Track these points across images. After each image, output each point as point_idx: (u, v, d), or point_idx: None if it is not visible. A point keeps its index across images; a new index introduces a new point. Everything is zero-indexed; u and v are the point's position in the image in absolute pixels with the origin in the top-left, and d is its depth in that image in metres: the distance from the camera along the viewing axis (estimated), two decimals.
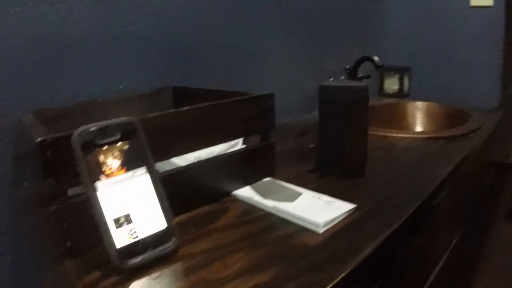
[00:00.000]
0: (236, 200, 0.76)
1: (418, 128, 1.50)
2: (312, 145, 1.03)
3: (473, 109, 1.41)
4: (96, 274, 0.53)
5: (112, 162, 0.55)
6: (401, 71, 1.76)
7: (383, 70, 1.80)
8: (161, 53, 1.02)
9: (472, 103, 1.54)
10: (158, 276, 0.52)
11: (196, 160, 0.74)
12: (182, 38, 1.06)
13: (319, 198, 0.72)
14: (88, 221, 0.54)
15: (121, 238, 0.53)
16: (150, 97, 0.98)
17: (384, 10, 1.85)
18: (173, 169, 0.69)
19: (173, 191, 0.64)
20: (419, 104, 1.52)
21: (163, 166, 0.76)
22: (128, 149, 0.57)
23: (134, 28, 0.96)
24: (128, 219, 0.54)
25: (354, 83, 0.81)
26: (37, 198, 0.78)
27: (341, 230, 0.63)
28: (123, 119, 0.56)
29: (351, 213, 0.68)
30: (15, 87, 0.78)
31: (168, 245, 0.56)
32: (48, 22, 0.81)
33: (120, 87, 0.94)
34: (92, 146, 0.54)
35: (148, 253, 0.54)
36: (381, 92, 1.83)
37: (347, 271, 0.52)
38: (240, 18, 1.21)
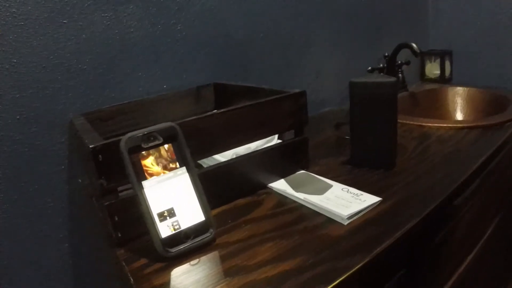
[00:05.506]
0: (271, 192, 0.81)
1: (458, 114, 1.49)
2: (347, 137, 1.07)
3: None
4: (143, 261, 0.61)
5: (156, 163, 0.62)
6: (442, 55, 1.74)
7: (424, 55, 1.78)
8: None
9: None
10: (197, 263, 0.60)
11: (234, 156, 0.81)
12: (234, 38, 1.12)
13: (348, 190, 0.77)
14: (136, 214, 0.61)
15: (164, 229, 0.61)
16: (192, 94, 1.05)
17: None
18: (213, 165, 0.76)
19: (214, 186, 0.72)
20: (460, 90, 1.51)
21: (206, 161, 0.84)
22: (171, 150, 0.64)
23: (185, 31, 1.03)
24: (171, 213, 0.62)
25: (382, 79, 0.84)
26: (90, 193, 0.87)
27: (366, 222, 0.67)
28: (165, 124, 0.63)
29: (378, 205, 0.72)
30: (69, 88, 0.87)
31: (206, 235, 0.63)
32: (95, 29, 0.89)
33: (164, 87, 1.01)
34: (138, 149, 0.61)
35: (189, 242, 0.62)
36: (423, 77, 1.82)
37: (363, 262, 0.57)
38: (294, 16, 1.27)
